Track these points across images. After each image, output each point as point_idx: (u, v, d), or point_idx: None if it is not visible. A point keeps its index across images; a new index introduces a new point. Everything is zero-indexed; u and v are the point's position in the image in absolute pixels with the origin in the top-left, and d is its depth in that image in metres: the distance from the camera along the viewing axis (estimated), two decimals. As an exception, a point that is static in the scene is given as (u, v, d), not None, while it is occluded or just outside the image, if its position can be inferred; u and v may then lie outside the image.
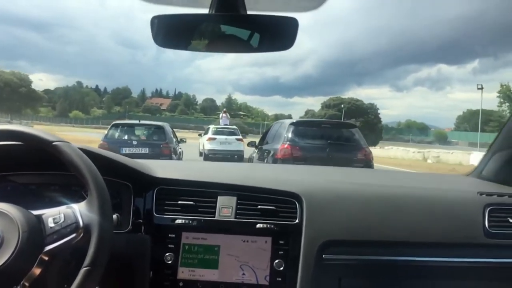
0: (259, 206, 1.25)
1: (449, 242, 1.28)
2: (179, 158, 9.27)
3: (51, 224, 0.88)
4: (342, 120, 9.93)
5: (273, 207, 1.25)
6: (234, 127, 16.42)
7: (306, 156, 6.86)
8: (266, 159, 7.35)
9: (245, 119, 78.32)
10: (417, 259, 1.25)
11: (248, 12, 0.92)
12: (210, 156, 13.67)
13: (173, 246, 1.21)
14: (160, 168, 1.32)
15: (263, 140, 8.25)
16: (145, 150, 8.57)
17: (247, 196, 1.27)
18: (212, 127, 15.52)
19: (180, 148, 10.04)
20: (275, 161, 6.90)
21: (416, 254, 1.25)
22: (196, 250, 1.22)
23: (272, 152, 7.19)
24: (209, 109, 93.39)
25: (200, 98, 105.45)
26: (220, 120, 19.04)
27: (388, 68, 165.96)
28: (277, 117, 64.51)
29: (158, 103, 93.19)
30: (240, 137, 14.39)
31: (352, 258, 1.24)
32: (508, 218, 1.36)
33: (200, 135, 16.21)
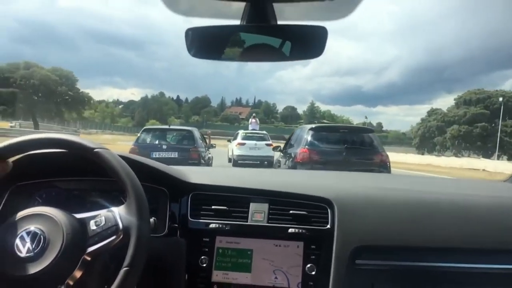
0: (291, 211, 1.28)
1: (485, 248, 1.27)
2: (208, 164, 9.52)
3: (93, 226, 0.93)
4: (360, 126, 9.68)
5: (304, 212, 1.28)
6: (264, 132, 16.23)
7: (324, 160, 7.27)
8: (287, 162, 7.94)
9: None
10: (451, 265, 1.26)
11: (279, 22, 0.96)
12: (239, 161, 13.80)
13: (207, 249, 1.26)
14: (194, 174, 1.38)
15: (287, 144, 8.83)
16: (174, 154, 8.87)
17: (279, 201, 1.31)
18: (241, 132, 15.49)
19: (209, 153, 10.31)
20: (294, 164, 7.43)
21: (450, 260, 1.26)
22: (230, 254, 1.26)
23: (293, 156, 7.72)
24: (290, 118, 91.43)
25: (280, 107, 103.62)
26: (249, 125, 18.86)
27: (481, 74, 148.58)
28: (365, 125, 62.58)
29: (237, 112, 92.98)
30: (270, 142, 14.33)
31: (384, 263, 1.25)
32: None
33: (229, 140, 16.22)
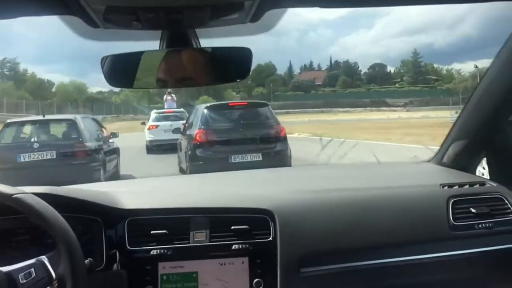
0: (232, 227, 1.30)
1: (417, 240, 1.37)
2: (109, 161, 8.14)
3: (22, 280, 0.90)
4: (253, 101, 10.05)
5: (246, 226, 1.30)
6: (182, 110, 14.32)
7: (222, 138, 7.61)
8: (188, 145, 8.09)
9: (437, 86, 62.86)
10: (388, 261, 1.34)
11: (202, 44, 0.94)
12: (153, 148, 12.19)
13: (150, 278, 1.25)
14: (127, 197, 1.38)
15: (185, 125, 8.92)
16: (50, 155, 7.31)
17: (220, 217, 1.33)
18: (153, 112, 13.77)
19: (113, 144, 8.94)
20: (193, 146, 7.67)
21: (387, 255, 1.35)
22: (175, 279, 1.26)
23: (192, 137, 7.94)
24: (379, 78, 76.41)
25: (363, 66, 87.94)
26: (165, 103, 16.60)
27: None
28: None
29: (311, 77, 78.65)
30: None
31: (328, 268, 1.31)
32: (471, 209, 1.45)
33: (143, 123, 14.15)
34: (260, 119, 8.04)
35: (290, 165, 7.62)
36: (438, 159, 1.85)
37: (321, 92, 68.86)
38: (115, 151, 8.94)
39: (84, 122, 8.01)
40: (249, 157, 7.34)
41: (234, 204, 1.36)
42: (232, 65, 0.97)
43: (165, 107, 15.78)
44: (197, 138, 7.53)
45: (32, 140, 7.65)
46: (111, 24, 0.84)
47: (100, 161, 7.72)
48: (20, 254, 1.14)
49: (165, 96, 17.00)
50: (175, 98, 16.67)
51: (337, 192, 1.50)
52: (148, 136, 12.47)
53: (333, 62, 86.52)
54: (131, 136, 14.19)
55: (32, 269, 0.91)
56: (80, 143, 7.49)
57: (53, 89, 53.73)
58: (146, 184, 2.06)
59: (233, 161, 7.32)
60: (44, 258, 0.94)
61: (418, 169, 1.94)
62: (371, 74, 79.77)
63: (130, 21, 0.84)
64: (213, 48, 0.95)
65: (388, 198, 1.46)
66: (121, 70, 0.96)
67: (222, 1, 0.81)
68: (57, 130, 8.34)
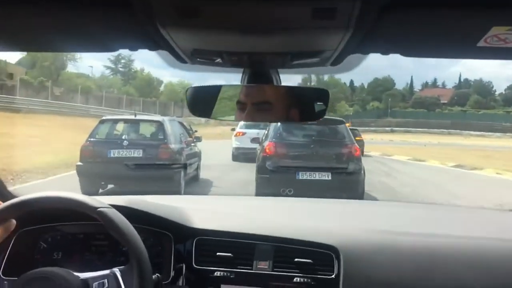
0: (296, 259, 1.32)
1: None
2: (185, 166, 8.19)
3: None
4: (331, 117, 9.55)
5: (310, 261, 1.31)
6: None
7: (291, 153, 7.54)
8: (258, 157, 8.25)
9: None
10: None
11: (283, 83, 1.01)
12: (239, 156, 12.13)
13: None
14: (198, 217, 1.47)
15: (263, 137, 9.03)
16: (137, 153, 7.72)
17: (284, 248, 1.35)
18: None
19: (196, 148, 9.36)
20: (263, 158, 7.67)
21: None
22: None
23: (262, 150, 8.06)
24: None
25: (498, 86, 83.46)
26: None
27: None
28: None
29: (435, 94, 73.91)
30: None
31: None
32: None
33: (233, 129, 13.94)
34: (334, 137, 7.74)
35: (363, 189, 7.30)
36: None
37: (447, 111, 62.49)
38: (197, 155, 9.33)
39: (170, 124, 8.40)
40: (317, 175, 7.06)
41: (301, 236, 1.36)
42: (310, 105, 1.01)
43: None
44: (267, 150, 7.54)
45: (123, 137, 8.13)
46: (198, 61, 0.91)
47: (182, 163, 8.02)
48: (96, 258, 1.32)
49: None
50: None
51: (407, 236, 1.43)
52: (234, 143, 12.56)
53: (462, 80, 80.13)
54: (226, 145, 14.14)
55: (106, 280, 1.02)
56: (165, 144, 7.90)
57: (161, 88, 53.17)
58: (217, 203, 2.15)
59: (300, 177, 7.08)
60: (117, 271, 1.04)
61: (500, 219, 1.81)
62: (508, 95, 72.13)
63: (215, 60, 0.91)
64: (292, 87, 1.00)
65: (467, 249, 1.35)
66: (202, 100, 1.03)
67: (303, 48, 0.83)
68: (147, 129, 8.88)
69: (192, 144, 9.26)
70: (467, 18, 0.67)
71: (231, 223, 1.44)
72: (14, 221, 1.05)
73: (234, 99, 0.99)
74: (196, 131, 18.19)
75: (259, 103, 0.99)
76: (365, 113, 61.54)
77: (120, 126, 8.81)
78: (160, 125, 8.26)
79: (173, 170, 7.64)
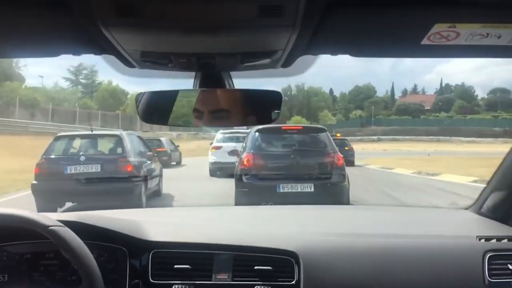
0: (256, 267, 1.31)
1: None
2: (145, 180, 7.92)
3: None
4: (311, 125, 9.38)
5: (270, 268, 1.31)
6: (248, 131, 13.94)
7: (270, 165, 7.11)
8: (235, 170, 7.74)
9: None
10: None
11: (236, 86, 1.03)
12: (216, 171, 11.65)
13: None
14: (154, 229, 1.44)
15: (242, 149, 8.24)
16: (95, 168, 7.49)
17: (244, 256, 1.34)
18: (219, 133, 13.09)
19: (155, 162, 9.05)
20: (241, 172, 7.19)
21: None
22: None
23: (239, 163, 7.57)
24: (501, 105, 68.04)
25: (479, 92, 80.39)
26: None
27: None
28: None
29: (417, 100, 73.34)
30: None
31: None
32: (508, 265, 1.37)
33: (211, 143, 13.44)
34: (315, 146, 7.28)
35: (348, 199, 6.89)
36: (476, 207, 1.77)
37: (432, 117, 61.90)
38: (158, 169, 9.09)
39: (129, 139, 8.19)
40: (299, 187, 6.56)
41: (259, 243, 1.36)
42: (263, 107, 1.02)
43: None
44: (245, 162, 7.00)
45: (80, 153, 8.00)
46: (146, 65, 0.91)
47: (141, 177, 7.81)
48: (46, 279, 1.27)
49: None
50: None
51: (366, 237, 1.48)
52: (211, 158, 12.01)
53: (443, 85, 79.69)
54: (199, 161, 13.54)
55: None
56: (124, 157, 7.68)
57: (127, 100, 47.05)
58: (173, 215, 2.15)
59: (281, 190, 6.58)
60: None
61: (454, 217, 1.91)
62: (491, 99, 71.09)
63: (164, 63, 0.91)
64: (245, 90, 1.02)
65: (420, 248, 1.42)
66: (157, 107, 1.02)
67: (252, 49, 0.84)
68: (105, 145, 8.75)
69: (153, 160, 9.03)
70: (410, 15, 0.71)
71: (189, 233, 1.43)
72: None
73: (191, 105, 0.99)
74: (178, 146, 17.66)
75: (216, 111, 1.00)
76: (349, 122, 60.77)
77: (76, 143, 8.53)
78: (118, 139, 8.04)
79: (133, 183, 7.38)
